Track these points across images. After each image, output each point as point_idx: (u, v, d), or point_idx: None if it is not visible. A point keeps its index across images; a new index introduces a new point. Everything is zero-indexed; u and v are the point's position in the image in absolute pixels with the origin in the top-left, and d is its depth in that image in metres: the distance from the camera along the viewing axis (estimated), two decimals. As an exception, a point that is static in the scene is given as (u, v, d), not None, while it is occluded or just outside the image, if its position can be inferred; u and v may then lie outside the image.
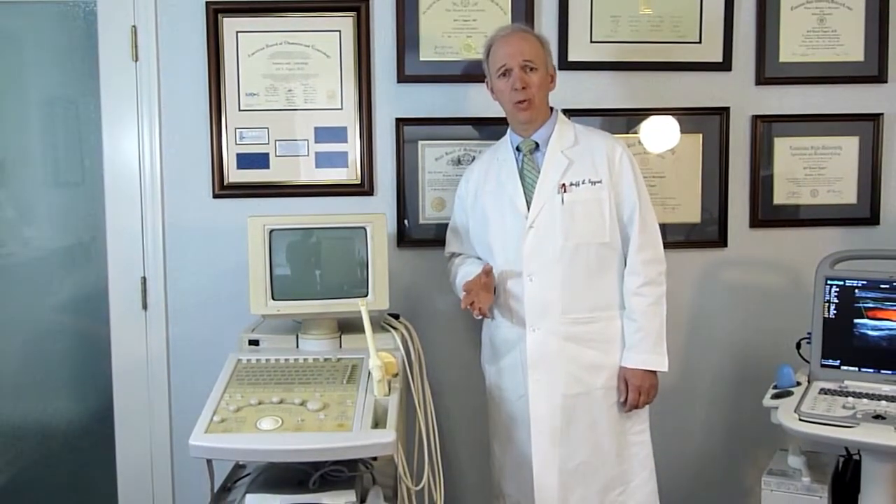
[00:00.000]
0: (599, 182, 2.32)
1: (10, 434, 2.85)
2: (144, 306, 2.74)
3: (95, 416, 2.80)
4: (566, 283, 2.31)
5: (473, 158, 2.69)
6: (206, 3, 2.67)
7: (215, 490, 2.05)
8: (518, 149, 2.40)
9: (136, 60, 2.68)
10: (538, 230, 2.32)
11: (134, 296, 2.73)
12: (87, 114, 2.73)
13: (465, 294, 2.32)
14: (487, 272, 2.32)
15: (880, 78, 2.82)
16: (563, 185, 2.32)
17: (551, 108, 2.42)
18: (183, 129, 2.71)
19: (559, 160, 2.34)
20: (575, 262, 2.31)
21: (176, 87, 2.70)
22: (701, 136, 2.81)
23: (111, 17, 2.67)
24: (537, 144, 2.38)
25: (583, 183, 2.32)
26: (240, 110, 2.71)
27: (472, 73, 2.72)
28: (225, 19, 2.68)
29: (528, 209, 2.33)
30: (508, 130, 2.45)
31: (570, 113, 2.70)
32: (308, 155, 2.74)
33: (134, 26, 2.67)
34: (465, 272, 2.43)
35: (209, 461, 1.98)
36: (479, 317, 2.42)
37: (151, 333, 2.74)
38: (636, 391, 2.32)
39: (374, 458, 2.03)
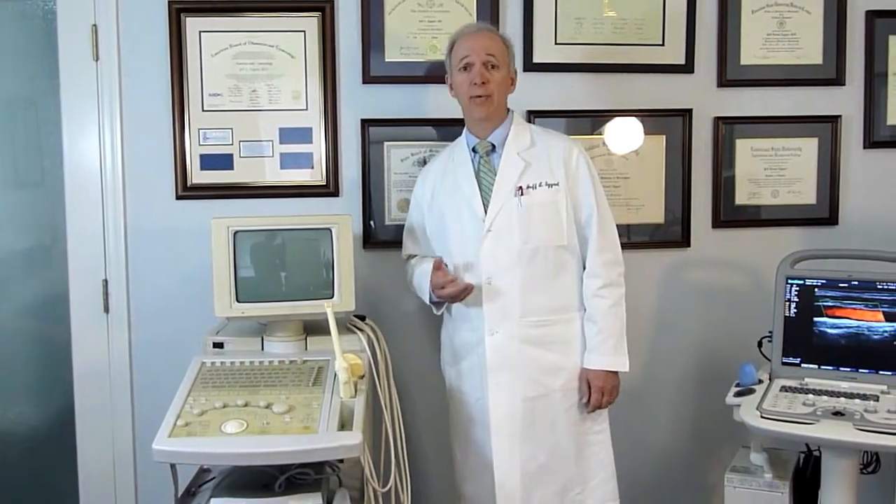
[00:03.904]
0: (556, 185, 2.32)
1: (-32, 441, 2.82)
2: (106, 309, 2.70)
3: (56, 421, 2.76)
4: (525, 285, 2.31)
5: (436, 159, 2.70)
6: (169, 2, 2.63)
7: (179, 495, 2.02)
8: (474, 150, 2.39)
9: (97, 60, 2.65)
10: (496, 233, 2.31)
11: (95, 299, 2.69)
12: (47, 114, 2.69)
13: (442, 287, 2.31)
14: (438, 267, 2.33)
15: (838, 81, 2.86)
16: (520, 187, 2.32)
17: (508, 110, 2.41)
18: (145, 129, 2.67)
19: (516, 162, 2.34)
20: (533, 265, 2.31)
21: (138, 88, 2.66)
22: (664, 137, 2.83)
23: (71, 16, 2.63)
24: (493, 146, 2.38)
25: (540, 185, 2.32)
26: (203, 111, 2.68)
27: (437, 74, 2.69)
28: (188, 19, 2.65)
29: (486, 212, 2.33)
30: (464, 131, 2.44)
31: (534, 114, 2.72)
32: (273, 156, 2.72)
33: (94, 25, 2.64)
34: (422, 270, 2.42)
35: (173, 466, 1.95)
36: (439, 312, 2.44)
37: (113, 337, 2.71)
38: (599, 392, 2.33)
39: (341, 461, 2.01)
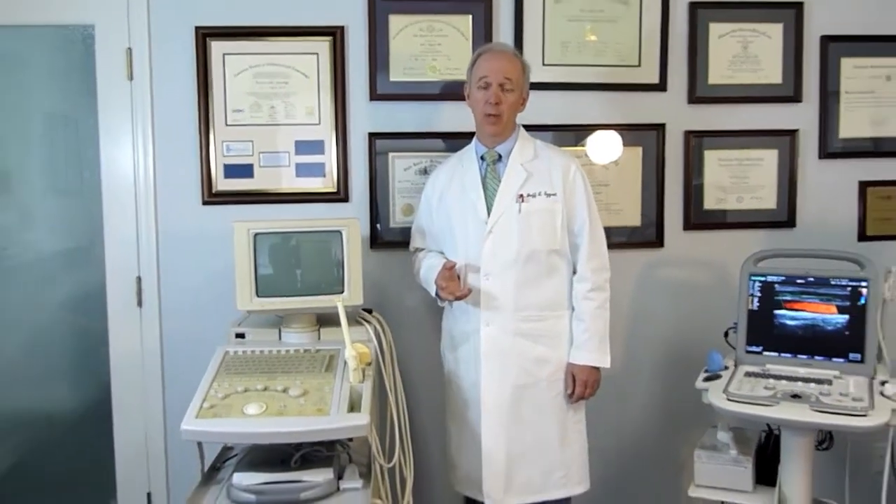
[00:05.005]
0: (554, 195, 2.34)
1: (16, 422, 2.79)
2: (139, 304, 2.72)
3: (95, 404, 2.77)
4: (519, 283, 2.33)
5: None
6: (196, 27, 2.65)
7: (206, 470, 2.06)
8: (482, 158, 2.40)
9: (131, 80, 2.67)
10: (496, 235, 2.33)
11: (129, 294, 2.71)
12: (86, 129, 2.69)
13: (442, 287, 2.33)
14: (449, 268, 2.33)
15: (796, 98, 2.88)
16: (521, 195, 2.33)
17: (515, 125, 2.42)
18: (174, 142, 2.69)
19: (519, 172, 2.36)
20: (528, 266, 2.33)
21: (168, 104, 2.68)
22: (640, 149, 2.84)
23: (108, 40, 2.65)
24: (500, 156, 2.39)
25: (539, 195, 2.34)
26: (226, 125, 2.69)
27: (437, 92, 2.74)
28: (213, 42, 2.67)
29: (489, 215, 2.35)
30: (474, 139, 2.44)
31: (525, 128, 2.73)
32: (289, 165, 2.73)
33: (129, 48, 2.66)
34: (429, 264, 2.45)
35: (200, 444, 1.99)
36: (443, 304, 2.44)
37: (146, 328, 2.73)
38: (582, 385, 2.36)
39: (351, 439, 2.04)
